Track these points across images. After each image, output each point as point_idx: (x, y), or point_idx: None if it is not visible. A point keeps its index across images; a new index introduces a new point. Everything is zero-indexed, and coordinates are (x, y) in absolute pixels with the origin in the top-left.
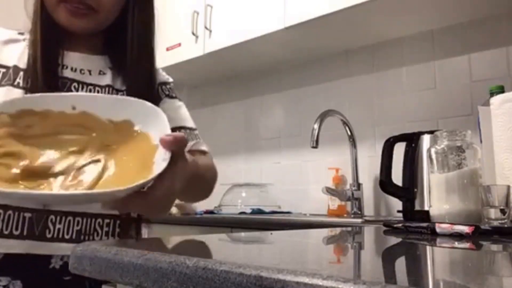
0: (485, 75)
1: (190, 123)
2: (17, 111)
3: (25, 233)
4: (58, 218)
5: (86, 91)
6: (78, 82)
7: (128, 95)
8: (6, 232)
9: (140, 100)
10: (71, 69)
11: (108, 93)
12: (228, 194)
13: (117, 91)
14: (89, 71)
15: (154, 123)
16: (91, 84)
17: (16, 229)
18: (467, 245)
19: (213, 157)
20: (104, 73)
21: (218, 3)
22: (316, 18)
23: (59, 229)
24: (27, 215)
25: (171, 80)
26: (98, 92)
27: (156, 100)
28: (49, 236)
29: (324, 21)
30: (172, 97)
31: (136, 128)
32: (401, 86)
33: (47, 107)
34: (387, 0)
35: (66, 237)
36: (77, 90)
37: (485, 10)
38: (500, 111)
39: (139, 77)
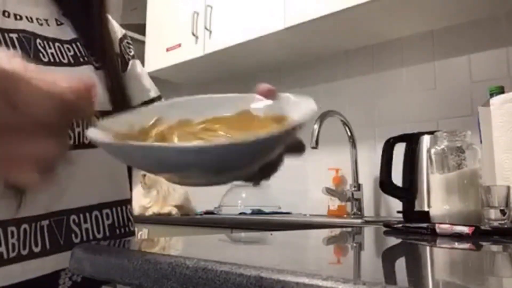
0: (485, 76)
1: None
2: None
3: (48, 246)
4: (82, 216)
5: (55, 49)
6: (42, 37)
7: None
8: (24, 253)
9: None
10: (27, 19)
11: (78, 49)
12: (228, 194)
13: (84, 47)
14: (46, 21)
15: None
16: (56, 40)
17: (36, 244)
18: (467, 245)
19: None
20: (61, 23)
21: (218, 4)
22: (316, 19)
23: (87, 229)
24: (44, 223)
25: (124, 30)
26: (68, 49)
27: (122, 64)
28: (77, 241)
29: (324, 21)
30: (134, 57)
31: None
32: (401, 86)
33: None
34: (387, 0)
35: (98, 236)
36: (44, 48)
37: (485, 10)
38: (500, 111)
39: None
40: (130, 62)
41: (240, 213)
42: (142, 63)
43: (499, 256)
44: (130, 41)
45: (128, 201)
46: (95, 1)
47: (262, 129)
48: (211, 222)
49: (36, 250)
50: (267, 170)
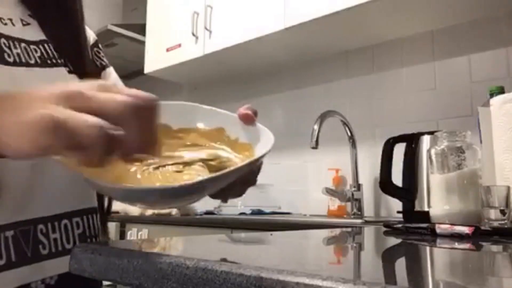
0: (485, 76)
1: None
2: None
3: (14, 258)
4: (50, 225)
5: (21, 49)
6: (6, 37)
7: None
8: None
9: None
10: None
11: (45, 51)
12: None
13: (51, 49)
14: (11, 21)
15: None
16: (22, 40)
17: (1, 257)
18: (467, 246)
19: None
20: (27, 23)
21: (218, 4)
22: (316, 19)
23: (55, 240)
24: (9, 233)
25: (96, 37)
26: (35, 50)
27: (88, 66)
28: (44, 252)
29: (324, 21)
30: (108, 65)
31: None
32: (401, 86)
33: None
34: (387, 0)
35: (68, 246)
36: (9, 48)
37: (485, 11)
38: (500, 111)
39: (71, 32)
40: (107, 70)
41: (240, 213)
42: (142, 63)
43: (499, 256)
44: (101, 49)
45: (96, 210)
46: (68, 2)
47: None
48: (211, 222)
49: (1, 262)
50: (230, 192)
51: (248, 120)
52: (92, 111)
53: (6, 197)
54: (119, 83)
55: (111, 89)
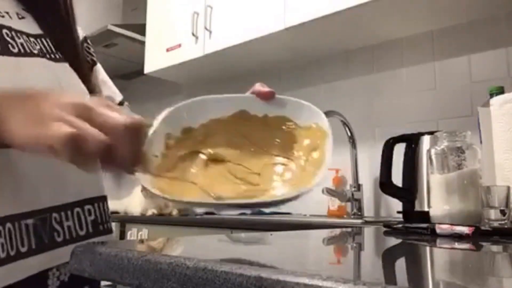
0: (485, 76)
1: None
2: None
3: (33, 246)
4: (63, 214)
5: (24, 40)
6: (8, 28)
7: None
8: (12, 253)
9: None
10: None
11: (43, 45)
12: None
13: (49, 44)
14: (7, 13)
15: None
16: (23, 33)
17: (22, 244)
18: (467, 246)
19: None
20: (23, 17)
21: (218, 4)
22: (316, 19)
23: (69, 227)
24: (29, 221)
25: (84, 33)
26: (35, 43)
27: (83, 62)
28: (59, 239)
29: (324, 21)
30: (96, 62)
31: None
32: (401, 87)
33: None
34: (387, 1)
35: (81, 233)
36: (12, 39)
37: (484, 11)
38: (500, 112)
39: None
40: (96, 66)
41: (240, 213)
42: (142, 63)
43: (499, 256)
44: (90, 44)
45: (106, 198)
46: None
47: (263, 129)
48: (211, 222)
49: (23, 250)
50: None
51: (270, 95)
52: (98, 125)
53: (24, 186)
54: (107, 80)
55: (115, 108)
